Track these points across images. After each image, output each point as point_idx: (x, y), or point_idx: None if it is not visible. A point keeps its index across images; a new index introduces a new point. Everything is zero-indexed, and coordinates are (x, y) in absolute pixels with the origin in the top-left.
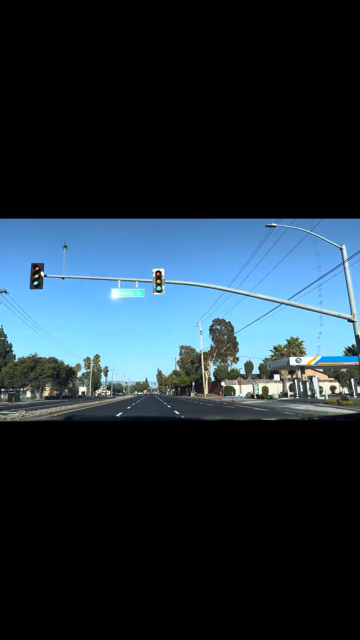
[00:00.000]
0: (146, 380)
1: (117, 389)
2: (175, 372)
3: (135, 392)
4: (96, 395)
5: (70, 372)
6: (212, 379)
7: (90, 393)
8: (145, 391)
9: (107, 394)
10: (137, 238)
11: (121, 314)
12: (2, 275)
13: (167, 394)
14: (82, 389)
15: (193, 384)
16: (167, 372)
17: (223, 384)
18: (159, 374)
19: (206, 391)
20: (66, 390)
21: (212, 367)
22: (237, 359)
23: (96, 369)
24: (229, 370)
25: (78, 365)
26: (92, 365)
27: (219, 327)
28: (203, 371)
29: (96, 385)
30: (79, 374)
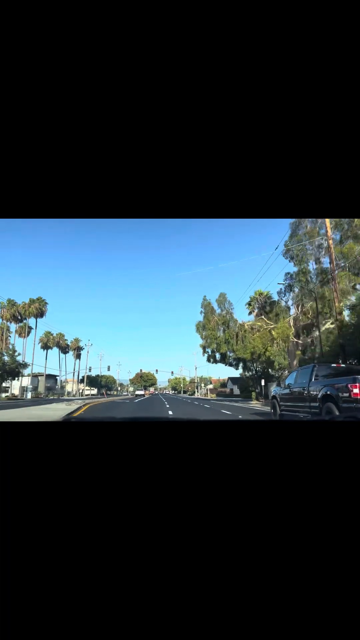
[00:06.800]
0: (156, 371)
1: (109, 387)
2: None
3: (133, 391)
4: (29, 396)
5: None
6: None
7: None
8: (152, 389)
9: (89, 393)
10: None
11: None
12: None
13: (208, 395)
14: (23, 382)
15: None
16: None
17: None
18: (209, 311)
19: None
20: None
21: None
22: None
23: (49, 341)
24: None
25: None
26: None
27: None
28: None
29: (16, 367)
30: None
